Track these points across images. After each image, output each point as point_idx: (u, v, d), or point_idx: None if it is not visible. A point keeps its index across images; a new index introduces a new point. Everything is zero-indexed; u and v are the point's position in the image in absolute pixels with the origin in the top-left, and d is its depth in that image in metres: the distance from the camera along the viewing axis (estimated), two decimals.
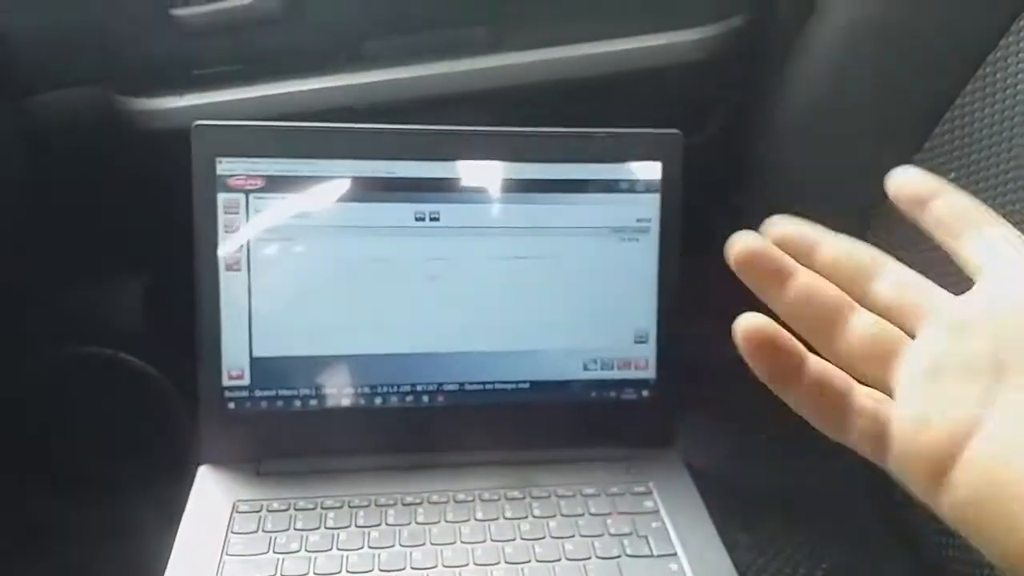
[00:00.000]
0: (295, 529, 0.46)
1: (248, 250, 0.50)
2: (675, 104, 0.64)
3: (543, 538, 0.46)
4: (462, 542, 0.45)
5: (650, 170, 0.53)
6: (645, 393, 0.54)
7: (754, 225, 0.29)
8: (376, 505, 0.48)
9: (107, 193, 0.65)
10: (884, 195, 0.29)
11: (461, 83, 0.62)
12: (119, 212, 0.66)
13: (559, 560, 0.45)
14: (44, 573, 0.61)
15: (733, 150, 0.64)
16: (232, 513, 0.47)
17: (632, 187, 0.53)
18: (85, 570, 0.61)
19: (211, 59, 0.63)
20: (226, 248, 0.50)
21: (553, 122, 0.53)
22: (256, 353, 0.50)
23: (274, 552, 0.44)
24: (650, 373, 0.54)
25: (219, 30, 0.60)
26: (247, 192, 0.50)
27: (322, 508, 0.47)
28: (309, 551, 0.44)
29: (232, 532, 0.45)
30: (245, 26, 0.60)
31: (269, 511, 0.47)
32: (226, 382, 0.50)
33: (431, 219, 0.51)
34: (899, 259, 0.28)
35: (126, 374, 0.71)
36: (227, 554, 0.44)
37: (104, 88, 0.62)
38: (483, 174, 0.51)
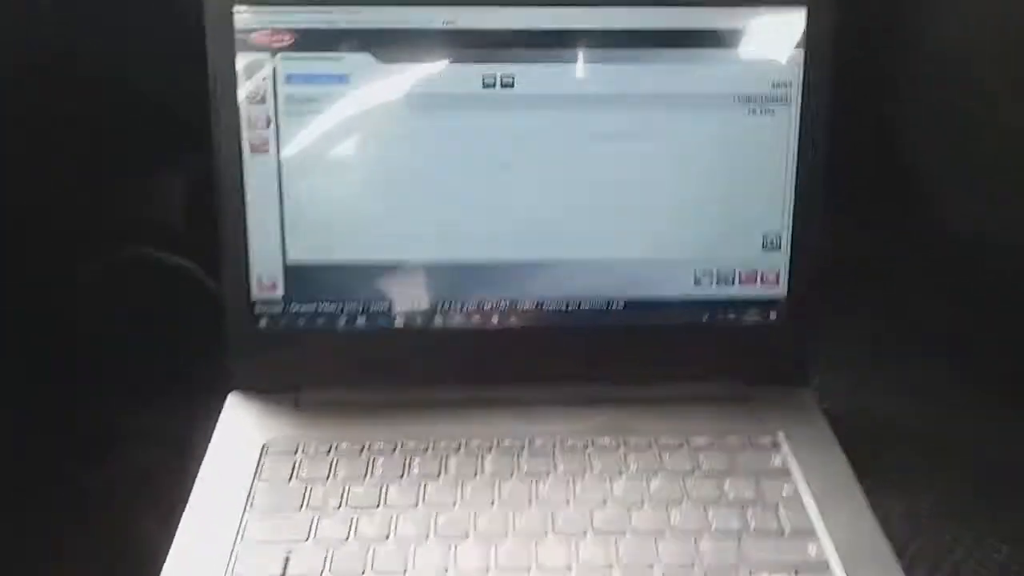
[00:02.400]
0: (335, 477, 0.37)
1: (277, 127, 0.40)
2: None
3: (642, 504, 0.36)
4: (539, 503, 0.36)
5: (791, 19, 0.40)
6: (774, 315, 0.42)
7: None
8: (434, 449, 0.38)
9: (129, 68, 0.55)
10: None
11: None
12: (148, 91, 0.57)
13: (663, 532, 0.35)
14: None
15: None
16: (261, 457, 0.38)
17: (767, 42, 0.40)
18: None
19: None
20: (250, 123, 0.40)
21: None
22: (291, 258, 0.41)
23: (308, 507, 0.35)
24: (781, 289, 0.42)
25: None
26: (273, 50, 0.39)
27: (369, 451, 0.38)
28: (351, 506, 0.36)
29: (260, 479, 0.37)
30: None
31: (305, 454, 0.38)
32: (256, 294, 0.41)
33: (503, 85, 0.40)
34: None
35: (170, 275, 0.64)
36: (251, 507, 0.36)
37: None
38: (569, 25, 0.39)
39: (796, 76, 0.40)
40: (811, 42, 0.39)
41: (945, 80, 0.47)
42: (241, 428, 0.40)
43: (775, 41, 0.40)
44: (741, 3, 0.39)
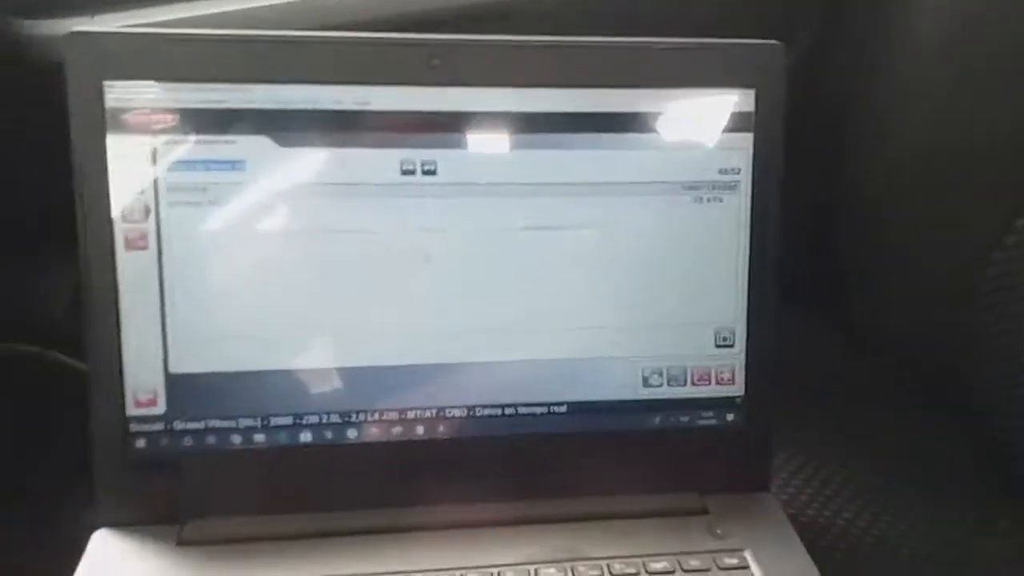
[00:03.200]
0: None
1: (158, 219, 0.34)
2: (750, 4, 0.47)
3: None
4: None
5: (739, 101, 0.37)
6: (731, 417, 0.38)
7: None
8: None
9: (12, 149, 0.49)
10: None
11: None
12: (32, 173, 0.50)
13: None
14: None
15: (837, 69, 0.48)
16: None
17: (713, 125, 0.37)
18: None
19: None
20: (124, 217, 0.34)
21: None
22: (174, 368, 0.35)
23: None
24: (737, 388, 0.38)
25: None
26: (153, 133, 0.34)
27: None
28: None
29: None
30: None
31: None
32: (132, 411, 0.35)
33: (424, 172, 0.35)
34: None
35: (57, 374, 0.56)
36: None
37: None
38: (499, 107, 0.35)
39: (746, 161, 0.37)
40: (761, 124, 0.37)
41: (904, 161, 0.45)
42: (110, 573, 0.33)
43: (722, 125, 0.37)
44: (684, 84, 0.36)
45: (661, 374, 0.38)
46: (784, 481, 0.43)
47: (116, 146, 0.33)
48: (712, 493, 0.38)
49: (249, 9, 0.44)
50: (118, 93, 0.33)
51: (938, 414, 0.46)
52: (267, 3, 0.45)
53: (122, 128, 0.33)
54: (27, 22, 0.45)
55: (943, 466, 0.44)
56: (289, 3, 0.45)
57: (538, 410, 0.37)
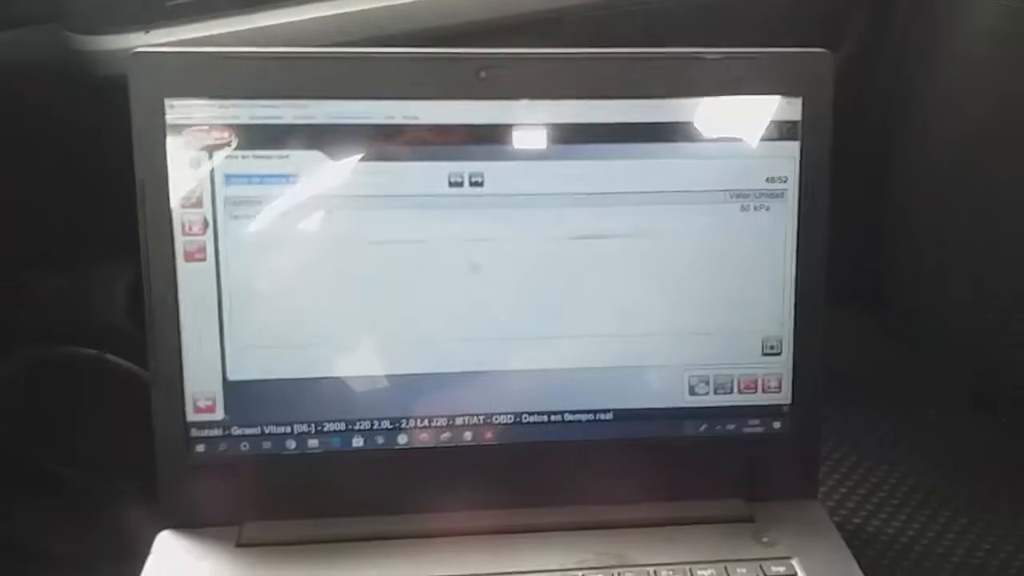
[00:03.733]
0: None
1: (216, 231, 0.35)
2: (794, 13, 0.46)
3: None
4: None
5: (787, 108, 0.37)
6: (777, 425, 0.38)
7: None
8: None
9: (74, 160, 0.51)
10: None
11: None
12: (92, 184, 0.52)
13: None
14: None
15: (884, 74, 0.47)
16: None
17: (759, 134, 0.37)
18: None
19: None
20: (184, 228, 0.35)
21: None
22: (232, 375, 0.36)
23: None
24: (784, 397, 0.38)
25: None
26: (211, 148, 0.35)
27: None
28: None
29: None
30: None
31: None
32: (192, 416, 0.36)
33: (472, 184, 0.36)
34: None
35: (113, 377, 0.58)
36: None
37: (55, 26, 0.48)
38: (545, 118, 0.36)
39: (793, 170, 0.37)
40: (808, 133, 0.36)
41: (946, 167, 0.45)
42: (173, 573, 0.35)
43: (769, 133, 0.36)
44: (731, 93, 0.36)
45: (708, 382, 0.38)
46: (831, 488, 0.43)
47: (176, 161, 0.34)
48: (758, 500, 0.38)
49: (295, 22, 0.46)
50: (179, 111, 0.34)
51: (990, 420, 0.46)
52: (313, 15, 0.46)
53: (182, 143, 0.34)
54: (84, 38, 0.47)
55: (994, 474, 0.44)
56: (335, 15, 0.46)
57: (584, 417, 0.38)
